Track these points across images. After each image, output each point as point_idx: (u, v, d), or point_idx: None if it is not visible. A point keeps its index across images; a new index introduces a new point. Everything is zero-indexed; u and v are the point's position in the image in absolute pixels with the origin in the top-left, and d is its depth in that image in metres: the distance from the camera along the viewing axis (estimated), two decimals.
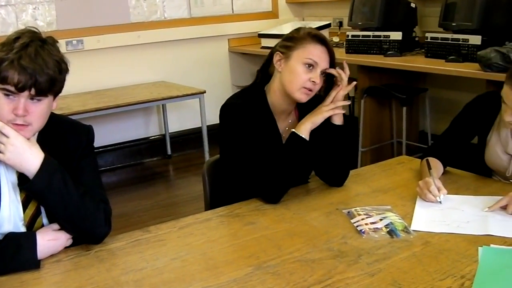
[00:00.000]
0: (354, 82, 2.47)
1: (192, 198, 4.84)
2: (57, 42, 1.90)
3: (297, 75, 2.28)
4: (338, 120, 2.38)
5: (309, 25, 5.64)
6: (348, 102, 2.40)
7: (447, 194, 2.25)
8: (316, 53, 2.29)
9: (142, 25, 5.87)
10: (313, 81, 2.27)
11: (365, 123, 5.19)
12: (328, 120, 2.35)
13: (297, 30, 2.36)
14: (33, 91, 1.78)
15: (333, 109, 2.34)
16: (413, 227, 2.01)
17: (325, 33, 5.77)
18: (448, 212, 2.13)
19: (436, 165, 2.45)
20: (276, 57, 2.35)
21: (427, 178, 2.26)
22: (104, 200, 2.01)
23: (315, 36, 2.31)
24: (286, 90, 2.33)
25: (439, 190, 2.21)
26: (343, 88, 2.35)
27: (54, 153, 1.90)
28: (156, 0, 5.93)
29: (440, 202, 2.19)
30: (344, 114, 2.41)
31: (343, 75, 2.35)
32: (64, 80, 1.88)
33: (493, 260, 1.76)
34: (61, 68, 1.85)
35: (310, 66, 2.28)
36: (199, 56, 6.29)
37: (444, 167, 2.52)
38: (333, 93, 2.36)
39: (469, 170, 2.58)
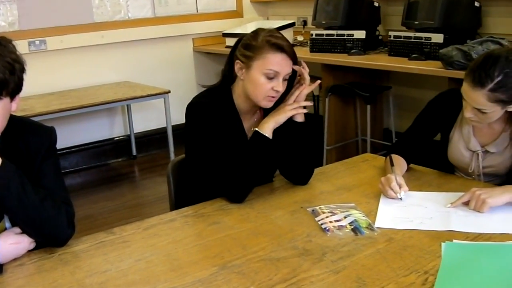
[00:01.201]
0: (318, 81, 2.47)
1: (158, 199, 4.81)
2: (11, 42, 1.84)
3: (259, 86, 2.26)
4: (299, 118, 2.38)
5: (273, 24, 5.66)
6: (310, 103, 2.41)
7: (411, 191, 2.27)
8: (276, 62, 2.25)
9: (105, 25, 5.82)
10: (275, 90, 2.26)
11: (330, 122, 5.21)
12: (290, 118, 2.35)
13: (255, 36, 2.30)
14: None
15: (296, 109, 2.34)
16: (377, 224, 2.02)
17: (289, 32, 5.80)
18: (411, 208, 2.15)
19: (399, 162, 2.47)
20: (237, 66, 2.32)
21: (389, 175, 2.28)
22: (67, 202, 1.99)
23: (274, 45, 2.25)
24: (250, 97, 2.32)
25: (400, 186, 2.23)
26: (307, 87, 2.36)
27: (15, 156, 1.87)
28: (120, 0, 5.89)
29: (400, 198, 2.21)
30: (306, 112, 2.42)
31: (306, 74, 2.36)
32: (19, 80, 1.83)
33: (456, 255, 1.78)
34: (14, 68, 1.79)
35: (272, 77, 2.26)
36: (163, 55, 6.26)
37: (408, 164, 2.54)
38: (296, 92, 2.36)
39: (432, 167, 2.61)
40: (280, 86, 2.26)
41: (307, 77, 2.36)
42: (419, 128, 2.59)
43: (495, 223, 2.01)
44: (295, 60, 2.32)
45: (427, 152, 2.59)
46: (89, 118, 5.83)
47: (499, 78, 2.14)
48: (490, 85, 2.15)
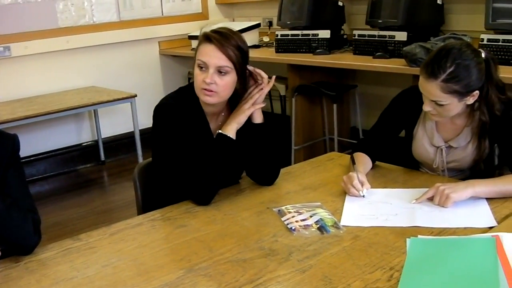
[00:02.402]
0: (274, 77, 2.44)
1: (127, 203, 4.78)
2: None
3: (195, 78, 2.28)
4: (258, 119, 2.40)
5: (239, 26, 5.66)
6: (263, 105, 2.40)
7: (376, 188, 2.30)
8: (205, 52, 2.25)
9: (70, 29, 5.77)
10: (206, 82, 2.24)
11: (297, 121, 5.23)
12: (248, 119, 2.37)
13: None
14: None
15: (254, 105, 2.35)
16: (343, 222, 2.04)
17: (254, 33, 5.82)
18: (377, 206, 2.17)
19: (363, 160, 2.50)
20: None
21: (351, 173, 2.30)
22: (32, 210, 1.97)
23: (204, 36, 2.27)
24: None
25: (362, 184, 2.25)
26: (266, 86, 2.38)
27: None
28: (84, 4, 5.84)
29: (363, 196, 2.23)
30: (266, 112, 2.42)
31: (263, 73, 2.37)
32: None
33: (421, 251, 1.80)
34: None
35: (202, 67, 2.26)
36: (129, 59, 6.23)
37: (373, 161, 2.56)
38: (255, 91, 2.38)
39: (398, 164, 2.63)
40: (208, 77, 2.23)
41: (265, 76, 2.37)
42: (383, 125, 2.61)
43: (459, 217, 2.04)
44: (228, 55, 2.25)
45: (392, 149, 2.61)
46: (56, 124, 5.78)
47: (451, 69, 2.19)
48: (443, 76, 2.19)
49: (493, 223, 1.98)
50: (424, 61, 2.31)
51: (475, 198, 2.16)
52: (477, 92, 2.26)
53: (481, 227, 1.95)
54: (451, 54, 2.21)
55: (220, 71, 2.25)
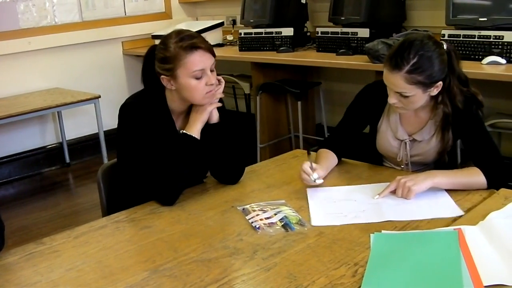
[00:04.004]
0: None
1: (93, 206, 4.74)
2: None
3: (194, 89, 2.26)
4: (214, 119, 2.39)
5: (202, 25, 5.67)
6: (220, 104, 2.40)
7: (339, 186, 2.31)
8: (197, 61, 2.24)
9: (32, 31, 5.71)
10: (210, 84, 2.26)
11: (262, 119, 5.24)
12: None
13: (165, 47, 2.27)
14: None
15: (212, 103, 2.35)
16: (314, 223, 2.02)
17: (218, 32, 5.81)
18: (342, 203, 2.18)
19: (327, 155, 2.51)
20: (164, 81, 2.30)
21: (304, 163, 2.31)
22: None
23: (187, 47, 2.23)
24: (192, 102, 2.33)
25: (313, 170, 2.27)
26: (221, 83, 2.38)
27: None
28: (45, 4, 5.79)
29: (314, 181, 2.26)
30: (222, 112, 2.43)
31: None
32: None
33: (384, 246, 1.82)
34: None
35: (200, 76, 2.25)
36: (93, 60, 6.19)
37: (340, 158, 2.57)
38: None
39: (361, 159, 2.65)
40: (211, 79, 2.26)
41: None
42: (349, 121, 2.62)
43: (427, 209, 2.08)
44: (211, 49, 2.30)
45: (356, 144, 2.62)
46: (20, 127, 5.71)
47: (414, 60, 2.21)
48: (407, 67, 2.21)
49: (460, 212, 2.03)
50: (387, 54, 2.33)
51: (436, 190, 2.19)
52: (440, 83, 2.28)
53: (448, 217, 1.99)
54: (413, 46, 2.23)
55: (212, 69, 2.29)
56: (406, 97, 2.28)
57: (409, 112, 2.42)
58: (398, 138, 2.51)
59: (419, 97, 2.30)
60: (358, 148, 2.66)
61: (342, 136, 2.61)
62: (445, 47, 2.30)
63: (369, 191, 2.26)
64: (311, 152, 2.34)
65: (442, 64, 2.26)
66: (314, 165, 2.30)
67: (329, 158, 2.51)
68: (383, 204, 2.14)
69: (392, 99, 2.32)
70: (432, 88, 2.29)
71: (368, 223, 1.99)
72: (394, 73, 2.25)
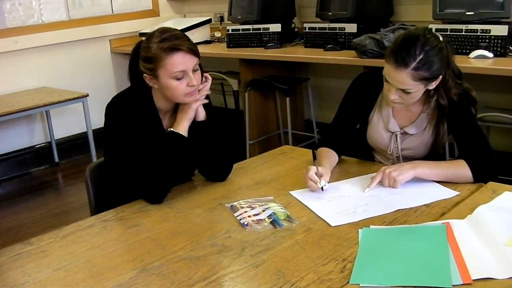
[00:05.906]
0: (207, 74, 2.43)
1: (83, 205, 4.71)
2: None
3: (174, 89, 2.24)
4: (201, 117, 2.38)
5: (190, 22, 5.67)
6: (206, 101, 2.38)
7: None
8: (177, 62, 2.21)
9: (19, 30, 5.68)
10: (191, 85, 2.24)
11: (251, 116, 5.24)
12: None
13: (148, 47, 2.25)
14: None
15: (197, 100, 2.33)
16: (333, 224, 1.96)
17: (206, 28, 5.81)
18: (340, 200, 2.15)
19: (328, 154, 2.48)
20: (147, 79, 2.28)
21: (310, 166, 2.27)
22: None
23: (167, 49, 2.20)
24: (175, 101, 2.33)
25: (320, 177, 2.22)
26: (208, 81, 2.37)
27: None
28: (32, 3, 5.76)
29: (321, 188, 2.21)
30: (209, 109, 2.42)
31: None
32: None
33: (372, 241, 1.82)
34: None
35: (181, 76, 2.23)
36: (80, 59, 6.16)
37: (339, 155, 2.55)
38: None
39: (351, 154, 2.63)
40: (193, 80, 2.23)
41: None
42: (344, 115, 2.59)
43: (426, 193, 2.15)
44: (194, 50, 2.26)
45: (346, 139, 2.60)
46: (7, 127, 5.69)
47: (421, 56, 2.18)
48: (413, 64, 2.18)
49: (455, 192, 2.11)
50: (390, 50, 2.28)
51: (427, 181, 2.22)
52: (440, 77, 2.27)
53: (449, 197, 2.09)
54: (418, 41, 2.19)
55: (195, 69, 2.26)
56: (408, 93, 2.26)
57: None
58: (389, 130, 2.49)
59: (420, 92, 2.29)
60: (348, 143, 2.64)
61: (340, 132, 2.57)
62: (441, 40, 2.29)
63: (358, 184, 2.27)
64: (317, 158, 2.34)
65: (442, 58, 2.23)
66: (320, 169, 2.26)
67: (331, 157, 2.47)
68: (382, 194, 2.16)
69: (392, 96, 2.28)
70: (432, 83, 2.27)
71: (380, 215, 2.00)
72: (400, 70, 2.20)
